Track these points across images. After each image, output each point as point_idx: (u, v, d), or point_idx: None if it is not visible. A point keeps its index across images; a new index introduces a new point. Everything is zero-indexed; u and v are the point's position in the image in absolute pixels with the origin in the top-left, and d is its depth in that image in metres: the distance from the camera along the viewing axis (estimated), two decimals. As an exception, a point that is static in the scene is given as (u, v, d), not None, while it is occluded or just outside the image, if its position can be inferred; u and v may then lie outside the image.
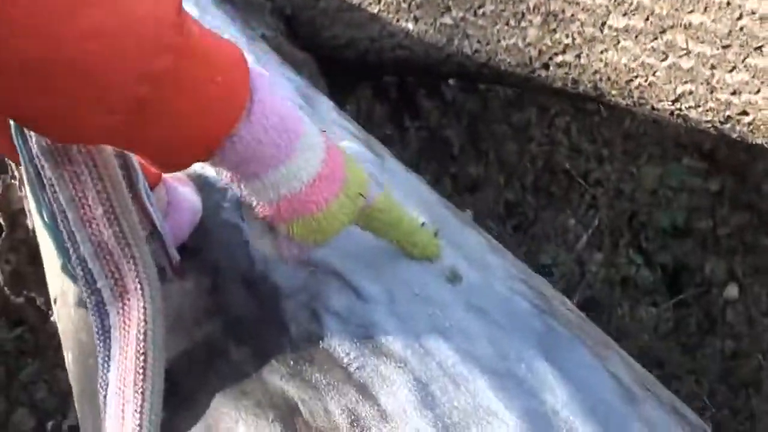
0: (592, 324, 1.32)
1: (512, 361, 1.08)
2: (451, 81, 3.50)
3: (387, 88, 3.72)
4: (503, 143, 3.81)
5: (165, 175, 1.39)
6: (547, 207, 3.80)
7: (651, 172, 3.86)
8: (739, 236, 3.81)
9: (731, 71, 1.62)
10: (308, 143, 1.06)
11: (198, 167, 1.50)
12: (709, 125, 1.76)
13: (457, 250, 1.29)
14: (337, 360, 1.10)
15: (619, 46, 1.80)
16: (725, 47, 1.62)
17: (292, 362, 1.14)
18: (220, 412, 1.15)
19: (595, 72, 1.89)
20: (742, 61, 1.60)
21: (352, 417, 1.04)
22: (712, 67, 1.65)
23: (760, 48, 1.56)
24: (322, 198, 1.07)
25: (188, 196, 1.43)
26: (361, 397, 1.05)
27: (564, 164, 3.83)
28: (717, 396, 3.47)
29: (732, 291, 3.69)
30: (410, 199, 1.42)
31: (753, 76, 1.59)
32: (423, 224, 1.23)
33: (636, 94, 1.83)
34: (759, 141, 1.70)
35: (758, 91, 1.59)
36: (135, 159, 1.19)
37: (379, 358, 1.09)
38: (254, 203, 1.08)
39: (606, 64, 1.85)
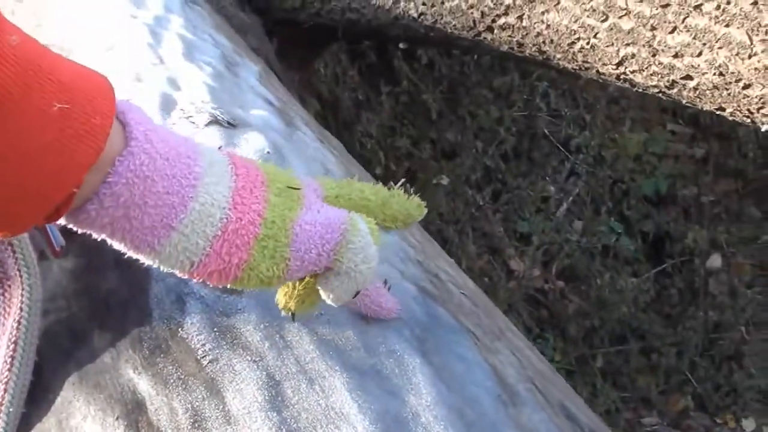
0: (494, 309, 1.22)
1: (380, 356, 0.98)
2: (401, 45, 3.38)
3: (364, 52, 3.62)
4: (483, 108, 3.70)
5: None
6: (526, 174, 3.69)
7: (634, 138, 3.75)
8: (724, 204, 3.72)
9: (672, 32, 1.53)
10: (210, 161, 0.93)
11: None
12: (657, 90, 1.66)
13: (349, 229, 1.19)
14: (193, 351, 1.01)
15: (559, 6, 1.71)
16: (664, 6, 1.52)
17: (147, 352, 1.04)
18: (73, 406, 1.06)
19: (538, 34, 1.79)
20: (683, 22, 1.50)
21: (195, 417, 0.94)
22: (653, 28, 1.55)
23: (699, 6, 1.47)
24: (256, 208, 0.93)
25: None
26: (208, 394, 0.96)
27: (544, 130, 3.72)
28: (698, 370, 3.39)
29: (715, 261, 3.60)
30: (313, 172, 1.33)
31: (694, 38, 1.49)
32: (389, 187, 1.08)
33: (580, 57, 1.73)
34: (707, 107, 1.59)
35: (700, 54, 1.49)
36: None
37: (235, 350, 0.99)
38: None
39: (548, 26, 1.75)
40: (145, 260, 0.92)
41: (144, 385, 1.01)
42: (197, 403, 0.95)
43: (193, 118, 1.41)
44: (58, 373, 1.12)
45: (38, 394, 1.11)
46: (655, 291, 3.55)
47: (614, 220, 3.65)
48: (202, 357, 1.00)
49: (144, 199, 0.85)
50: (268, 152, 1.34)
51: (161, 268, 0.93)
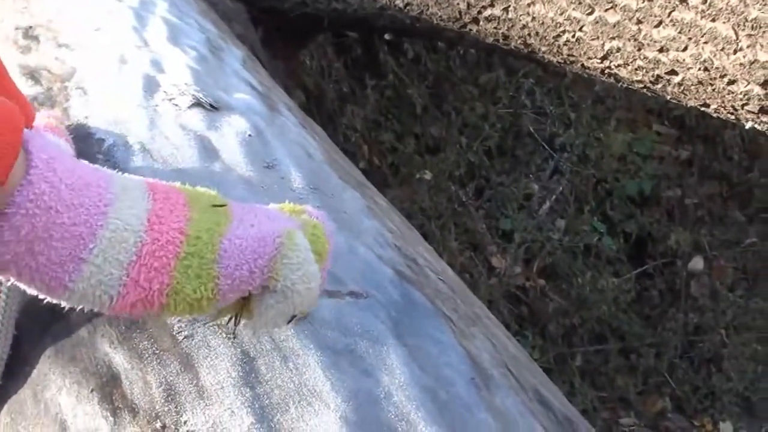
0: (469, 296, 1.23)
1: (354, 336, 0.98)
2: (387, 36, 3.38)
3: (350, 45, 3.62)
4: (468, 104, 3.70)
5: (35, 122, 1.27)
6: (509, 171, 3.70)
7: (619, 138, 3.76)
8: (707, 207, 3.72)
9: (658, 26, 1.53)
10: (122, 186, 0.86)
11: (82, 116, 1.41)
12: (641, 86, 1.66)
13: (330, 213, 1.19)
14: (168, 327, 1.02)
15: (545, -2, 1.70)
16: (651, -1, 1.52)
17: (124, 327, 1.05)
18: (48, 378, 1.07)
19: (524, 27, 1.79)
20: (668, 15, 1.50)
21: (169, 391, 0.95)
22: (639, 21, 1.56)
23: (685, 0, 1.46)
24: (177, 226, 0.85)
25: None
26: (182, 369, 0.96)
27: (529, 127, 3.73)
28: (677, 372, 3.39)
29: (697, 263, 3.61)
30: (294, 156, 1.34)
31: (680, 32, 1.49)
32: None
33: (565, 50, 1.73)
34: (692, 103, 1.59)
35: (686, 48, 1.49)
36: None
37: (211, 327, 0.99)
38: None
39: (533, 18, 1.75)
40: (61, 302, 0.86)
41: (119, 359, 1.01)
42: (171, 378, 0.96)
43: (176, 101, 1.42)
44: (35, 347, 1.12)
45: (15, 367, 1.11)
46: (636, 292, 3.56)
47: (597, 220, 3.65)
48: (178, 333, 1.00)
49: (48, 231, 0.79)
50: (250, 135, 1.34)
51: (83, 309, 0.86)
